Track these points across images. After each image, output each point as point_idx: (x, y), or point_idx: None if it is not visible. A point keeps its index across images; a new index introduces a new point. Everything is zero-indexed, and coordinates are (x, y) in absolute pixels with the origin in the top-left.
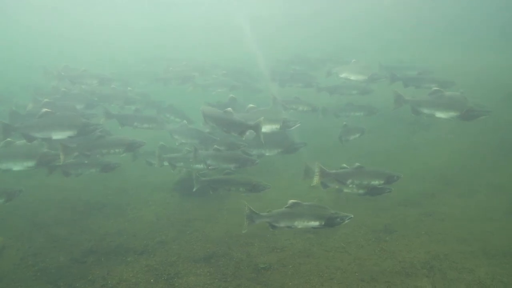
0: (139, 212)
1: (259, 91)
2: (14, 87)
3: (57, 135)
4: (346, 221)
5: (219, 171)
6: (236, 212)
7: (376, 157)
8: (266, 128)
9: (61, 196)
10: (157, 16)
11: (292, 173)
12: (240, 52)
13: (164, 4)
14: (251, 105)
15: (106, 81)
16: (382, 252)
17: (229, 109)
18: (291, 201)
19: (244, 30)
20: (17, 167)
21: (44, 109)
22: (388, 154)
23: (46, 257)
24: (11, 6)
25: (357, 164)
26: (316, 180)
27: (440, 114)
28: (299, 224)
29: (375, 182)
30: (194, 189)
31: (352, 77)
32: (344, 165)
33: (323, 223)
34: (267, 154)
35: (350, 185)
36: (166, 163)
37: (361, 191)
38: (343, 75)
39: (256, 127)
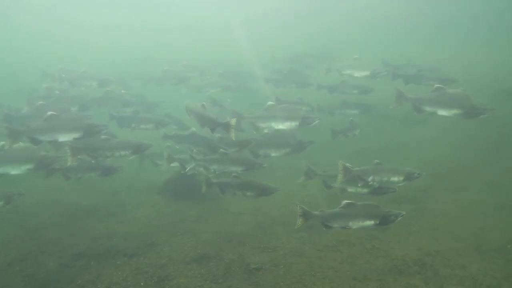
0: (129, 214)
1: (254, 91)
2: (8, 90)
3: (63, 137)
4: (399, 219)
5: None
6: (227, 213)
7: (367, 154)
8: (285, 125)
9: (50, 199)
10: (143, 14)
11: (281, 174)
12: (232, 51)
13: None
14: (270, 102)
15: (106, 83)
16: (374, 250)
17: (204, 103)
18: (345, 201)
19: (236, 28)
20: (15, 170)
21: (49, 112)
22: (379, 151)
23: (34, 262)
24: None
25: (377, 161)
26: (340, 178)
27: (442, 112)
28: (354, 224)
29: (395, 179)
30: (202, 191)
31: (356, 74)
32: (348, 164)
33: (377, 222)
34: (273, 154)
35: (371, 183)
36: (173, 164)
37: (365, 191)
38: (346, 72)
39: (226, 126)
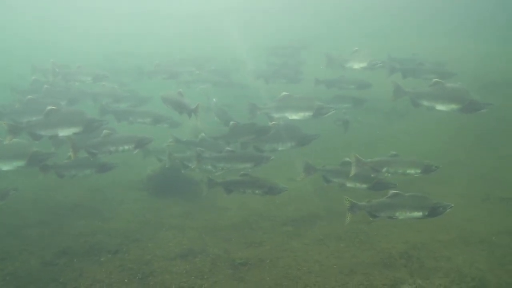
0: (114, 211)
1: (244, 87)
2: None
3: (63, 132)
4: (448, 210)
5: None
6: (213, 208)
7: (354, 147)
8: (299, 116)
9: (32, 196)
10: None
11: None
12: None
13: None
14: (284, 92)
15: (100, 78)
16: (360, 244)
17: (180, 90)
18: (392, 191)
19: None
20: (6, 166)
21: (50, 107)
22: (366, 144)
23: (15, 261)
24: None
25: (393, 152)
26: (353, 170)
27: (440, 107)
28: (401, 215)
29: (411, 171)
30: (204, 193)
31: (355, 66)
32: (347, 158)
33: (426, 213)
34: (280, 148)
35: (386, 174)
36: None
37: (364, 186)
38: (348, 65)
39: (195, 110)
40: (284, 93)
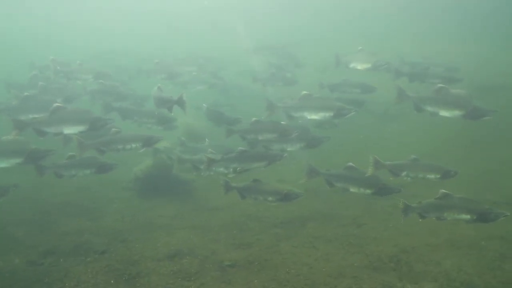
0: (102, 210)
1: (242, 88)
2: None
3: (69, 130)
4: (502, 218)
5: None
6: (203, 209)
7: (346, 148)
8: (319, 116)
9: (20, 195)
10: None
11: None
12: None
13: None
14: (304, 92)
15: (102, 77)
16: (350, 247)
17: (159, 85)
18: (442, 191)
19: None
20: (3, 163)
21: (56, 104)
22: (358, 145)
23: None
24: None
25: (413, 156)
26: (370, 170)
27: (443, 112)
28: (449, 216)
29: (431, 176)
30: (223, 194)
31: (359, 67)
32: (351, 163)
33: (475, 217)
34: (289, 148)
35: (404, 178)
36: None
37: (368, 191)
38: (352, 65)
39: (179, 101)
40: (304, 92)
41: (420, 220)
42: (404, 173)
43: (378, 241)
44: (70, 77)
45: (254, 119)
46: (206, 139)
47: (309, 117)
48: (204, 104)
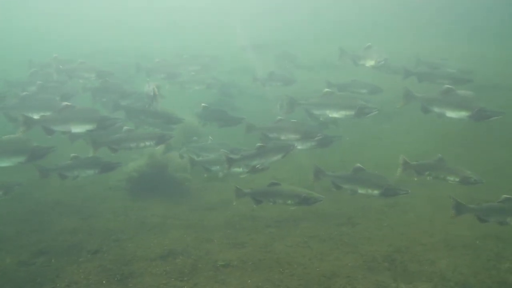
0: (95, 210)
1: (239, 87)
2: None
3: (77, 129)
4: None
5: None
6: (197, 209)
7: (339, 148)
8: (340, 114)
9: (12, 194)
10: None
11: None
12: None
13: None
14: (326, 89)
15: (105, 75)
16: (344, 246)
17: (149, 80)
18: (504, 196)
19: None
20: (5, 162)
21: (64, 103)
22: (351, 144)
23: None
24: None
25: (439, 155)
26: (399, 171)
27: (450, 113)
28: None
29: (451, 179)
30: (234, 203)
31: (367, 63)
32: (359, 164)
33: None
34: (299, 147)
35: (428, 177)
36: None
37: (375, 192)
38: (361, 62)
39: (153, 94)
40: (326, 89)
41: (480, 223)
42: (427, 173)
43: (373, 240)
44: (72, 76)
45: (278, 117)
46: (210, 137)
47: (331, 116)
48: (202, 104)
